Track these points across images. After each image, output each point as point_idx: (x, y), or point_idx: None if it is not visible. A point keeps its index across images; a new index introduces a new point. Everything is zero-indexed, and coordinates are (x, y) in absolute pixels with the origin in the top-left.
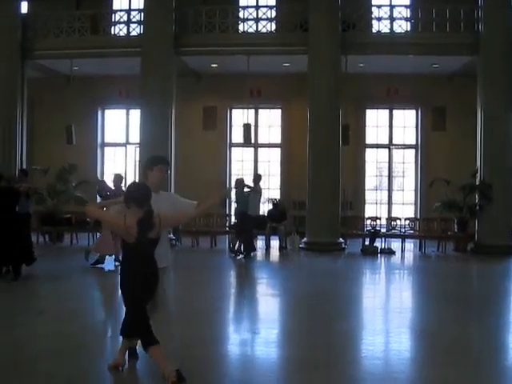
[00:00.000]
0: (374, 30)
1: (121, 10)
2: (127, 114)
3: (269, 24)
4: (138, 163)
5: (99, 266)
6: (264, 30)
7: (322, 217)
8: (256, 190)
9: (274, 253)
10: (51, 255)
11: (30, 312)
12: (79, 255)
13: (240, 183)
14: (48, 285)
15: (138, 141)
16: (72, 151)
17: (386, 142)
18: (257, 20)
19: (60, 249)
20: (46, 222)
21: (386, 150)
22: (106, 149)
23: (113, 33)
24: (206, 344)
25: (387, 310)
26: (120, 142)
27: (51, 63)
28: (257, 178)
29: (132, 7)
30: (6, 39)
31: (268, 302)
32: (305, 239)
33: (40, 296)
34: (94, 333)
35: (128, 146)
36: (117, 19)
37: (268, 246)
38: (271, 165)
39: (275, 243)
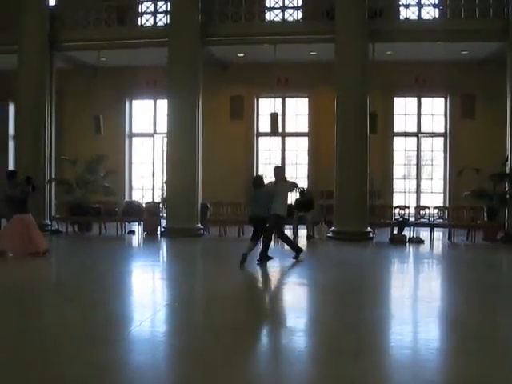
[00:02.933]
0: (401, 17)
1: (147, 1)
2: (154, 104)
3: (295, 12)
4: (165, 153)
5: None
6: (290, 19)
7: (349, 206)
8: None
9: (302, 242)
10: (80, 244)
11: (59, 299)
12: (107, 245)
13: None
14: (77, 273)
15: (165, 131)
16: (100, 142)
17: (415, 130)
18: (283, 8)
19: (89, 238)
20: (75, 212)
21: (415, 138)
22: (134, 139)
23: (139, 23)
24: (235, 332)
25: (416, 300)
26: (147, 132)
27: (79, 54)
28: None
29: None
30: (34, 31)
31: (295, 291)
32: (332, 228)
33: (70, 284)
34: (121, 321)
35: (155, 135)
36: (143, 10)
37: (295, 235)
38: (298, 154)
39: (303, 232)
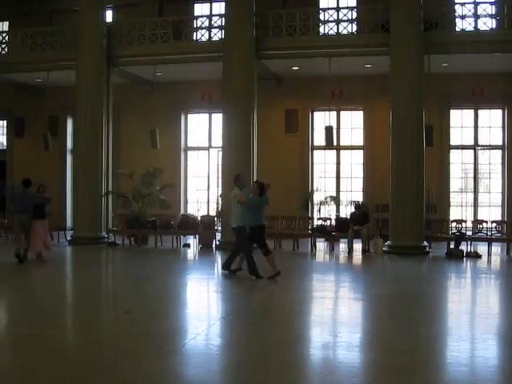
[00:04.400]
0: (457, 29)
1: (202, 16)
2: (209, 117)
3: (350, 25)
4: (220, 166)
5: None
6: (345, 32)
7: (405, 220)
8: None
9: (357, 256)
10: (136, 257)
11: (117, 311)
12: (163, 257)
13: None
14: (134, 285)
15: (220, 144)
16: (156, 155)
17: (472, 142)
18: (337, 22)
19: (145, 251)
20: (131, 225)
21: (472, 151)
22: (189, 152)
23: (195, 38)
24: (289, 346)
25: (473, 316)
26: (203, 146)
27: (135, 69)
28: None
29: (213, 12)
30: (92, 47)
31: (351, 305)
32: (388, 242)
33: (126, 296)
34: (176, 333)
35: (211, 149)
36: (198, 25)
37: (351, 250)
38: (353, 167)
39: (358, 247)
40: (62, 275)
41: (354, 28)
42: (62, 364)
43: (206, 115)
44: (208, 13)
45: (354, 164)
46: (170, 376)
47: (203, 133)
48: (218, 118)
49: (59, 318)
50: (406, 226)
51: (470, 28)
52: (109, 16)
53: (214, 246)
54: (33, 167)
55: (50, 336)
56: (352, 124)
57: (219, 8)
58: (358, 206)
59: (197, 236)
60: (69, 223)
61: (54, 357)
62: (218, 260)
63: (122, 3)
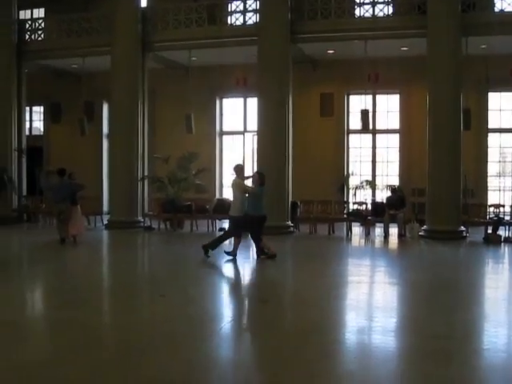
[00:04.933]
0: (496, 9)
1: (237, 0)
2: (244, 102)
3: (386, 7)
4: (255, 151)
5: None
6: (381, 14)
7: (442, 204)
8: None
9: (393, 241)
10: (172, 241)
11: (153, 294)
12: (199, 241)
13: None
14: (169, 269)
15: (255, 129)
16: (191, 140)
17: (510, 126)
18: (373, 4)
19: (180, 235)
20: (167, 209)
21: (510, 134)
22: (224, 137)
23: (229, 22)
24: (324, 331)
25: (511, 301)
26: (238, 131)
27: (170, 54)
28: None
29: None
30: (128, 33)
31: (386, 290)
32: (425, 227)
33: (162, 279)
34: (212, 317)
35: (246, 134)
36: (233, 8)
37: (387, 234)
38: (389, 151)
39: (394, 231)
40: (99, 259)
41: (390, 10)
42: (100, 348)
43: (241, 99)
44: None
45: (389, 148)
46: (207, 359)
47: (238, 117)
48: (252, 103)
49: (96, 301)
50: (443, 211)
51: (510, 9)
52: (143, 1)
53: None
54: (69, 152)
55: (87, 319)
56: (388, 107)
57: None
58: (394, 190)
59: None
60: (105, 208)
61: (91, 340)
62: (252, 244)
63: None
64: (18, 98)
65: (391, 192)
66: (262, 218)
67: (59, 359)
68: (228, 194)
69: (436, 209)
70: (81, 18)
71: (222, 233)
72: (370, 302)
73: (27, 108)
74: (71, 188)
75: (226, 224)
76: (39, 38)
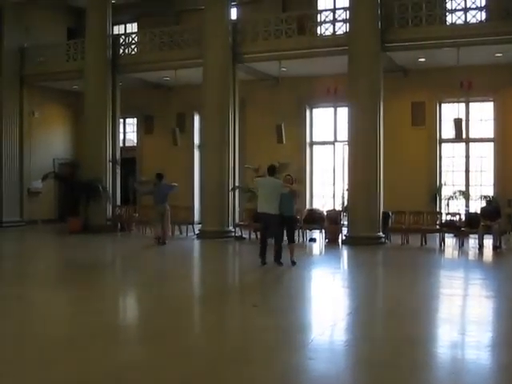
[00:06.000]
0: None
1: (326, 10)
2: (335, 111)
3: (478, 13)
4: (346, 161)
5: None
6: (473, 20)
7: None
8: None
9: (488, 252)
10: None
11: (245, 304)
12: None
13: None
14: (259, 278)
15: (345, 138)
16: (281, 150)
17: None
18: (465, 10)
19: (271, 246)
20: (258, 220)
21: None
22: (315, 147)
23: (319, 32)
24: (418, 344)
25: None
26: (328, 140)
27: (260, 65)
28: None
29: (337, 6)
30: (219, 45)
31: (481, 303)
32: None
33: (253, 289)
34: (303, 328)
35: (336, 143)
36: (322, 19)
37: (481, 246)
38: (483, 160)
39: (489, 242)
40: (191, 267)
41: (483, 16)
42: (193, 356)
43: (331, 109)
44: (332, 6)
45: (483, 157)
46: (300, 370)
47: (328, 127)
48: (343, 112)
49: (189, 310)
50: None
51: None
52: (233, 13)
53: (340, 240)
54: (161, 163)
55: (180, 328)
56: (482, 115)
57: (343, 1)
58: (489, 200)
59: (323, 231)
60: (196, 217)
61: (185, 349)
62: (344, 255)
63: (247, 0)
64: (112, 110)
65: (486, 202)
66: (294, 218)
67: (152, 367)
68: (318, 204)
69: None
70: (172, 32)
71: (274, 238)
72: (465, 315)
73: (121, 120)
74: (168, 190)
75: (316, 234)
76: (132, 52)
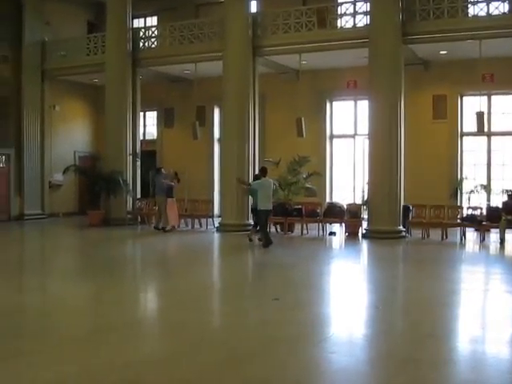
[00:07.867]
0: None
1: (346, 2)
2: (355, 105)
3: (501, 5)
4: (366, 154)
5: None
6: (496, 12)
7: None
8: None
9: (509, 247)
10: (283, 244)
11: (264, 297)
12: (308, 245)
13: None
14: (280, 272)
15: (366, 132)
16: (301, 143)
17: None
18: (488, 1)
19: (290, 238)
20: (277, 213)
21: None
22: (335, 140)
23: (339, 25)
24: (439, 338)
25: None
26: (348, 134)
27: (280, 58)
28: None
29: None
30: (238, 38)
31: (502, 298)
32: None
33: (272, 282)
34: (324, 321)
35: (356, 137)
36: (343, 11)
37: (503, 240)
38: (506, 154)
39: (510, 237)
40: (208, 261)
41: (506, 8)
42: (213, 349)
43: (352, 102)
44: None
45: (506, 151)
46: (320, 363)
47: (349, 120)
48: (363, 105)
49: (208, 303)
50: None
51: None
52: (253, 6)
53: (360, 234)
54: (181, 156)
55: (199, 321)
56: (504, 109)
57: None
58: (511, 195)
59: (343, 224)
60: (216, 211)
61: (204, 342)
62: (364, 249)
63: None
64: (132, 103)
65: (508, 197)
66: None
67: (171, 360)
68: (338, 197)
69: None
70: (192, 25)
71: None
72: (486, 310)
73: (141, 113)
74: (162, 184)
75: (336, 228)
76: (152, 46)
